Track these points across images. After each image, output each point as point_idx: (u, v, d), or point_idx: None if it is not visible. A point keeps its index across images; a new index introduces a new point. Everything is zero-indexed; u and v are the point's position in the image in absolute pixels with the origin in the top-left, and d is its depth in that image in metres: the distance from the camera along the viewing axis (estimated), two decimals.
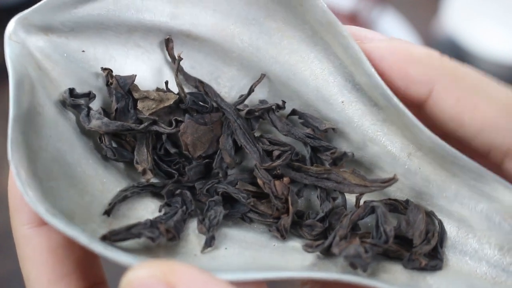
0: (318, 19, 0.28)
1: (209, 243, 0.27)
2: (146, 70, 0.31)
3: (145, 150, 0.29)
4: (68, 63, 0.29)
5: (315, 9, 0.28)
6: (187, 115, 0.29)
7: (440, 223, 0.27)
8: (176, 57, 0.30)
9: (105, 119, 0.29)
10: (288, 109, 0.30)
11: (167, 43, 0.30)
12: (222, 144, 0.29)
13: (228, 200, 0.29)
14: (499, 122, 0.26)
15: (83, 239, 0.23)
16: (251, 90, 0.30)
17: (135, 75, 0.30)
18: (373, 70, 0.27)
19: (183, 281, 0.21)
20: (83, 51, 0.30)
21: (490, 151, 0.26)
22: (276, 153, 0.29)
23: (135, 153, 0.29)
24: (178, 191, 0.28)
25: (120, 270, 0.23)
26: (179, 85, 0.30)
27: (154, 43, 0.31)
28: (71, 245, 0.26)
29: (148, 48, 0.31)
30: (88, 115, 0.29)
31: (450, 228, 0.27)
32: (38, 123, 0.27)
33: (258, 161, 0.29)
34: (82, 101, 0.29)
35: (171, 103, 0.30)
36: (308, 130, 0.29)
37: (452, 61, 0.27)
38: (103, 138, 0.29)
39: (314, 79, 0.30)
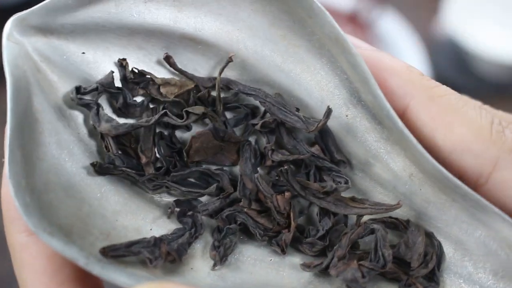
0: (326, 33, 0.27)
1: (219, 264, 0.27)
2: (149, 71, 0.30)
3: (151, 138, 0.29)
4: (68, 65, 0.29)
5: (324, 24, 0.27)
6: (212, 124, 0.29)
7: (439, 245, 0.27)
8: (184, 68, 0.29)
9: (115, 122, 0.28)
10: None
11: (168, 60, 0.30)
12: (242, 169, 0.29)
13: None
14: (471, 145, 0.26)
15: (82, 261, 0.23)
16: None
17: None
18: (379, 91, 0.26)
19: None
20: (83, 53, 0.29)
21: (463, 173, 0.26)
22: (274, 158, 0.29)
23: (140, 139, 0.29)
24: (190, 213, 0.28)
25: None
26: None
27: (156, 45, 0.30)
28: None
29: (150, 50, 0.30)
30: (97, 113, 0.28)
31: (447, 250, 0.27)
32: (37, 130, 0.27)
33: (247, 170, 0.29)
34: (90, 98, 0.28)
35: (192, 86, 0.30)
36: (314, 148, 0.29)
37: (432, 80, 0.27)
38: (109, 147, 0.28)
39: (319, 90, 0.29)
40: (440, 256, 0.27)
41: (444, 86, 0.27)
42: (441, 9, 0.84)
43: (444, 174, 0.26)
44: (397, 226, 0.28)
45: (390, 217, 0.28)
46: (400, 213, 0.28)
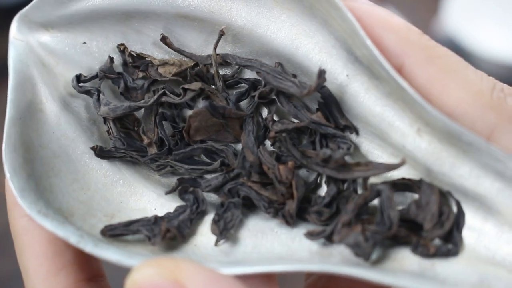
0: None
1: (220, 237, 0.26)
2: (151, 53, 0.31)
3: (153, 119, 0.29)
4: (71, 57, 0.30)
5: None
6: (208, 101, 0.28)
7: (458, 204, 0.25)
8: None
9: (112, 104, 0.29)
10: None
11: (164, 41, 0.30)
12: (244, 142, 0.28)
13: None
14: (468, 110, 0.24)
15: (73, 239, 0.24)
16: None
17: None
18: (369, 42, 0.25)
19: (189, 277, 0.21)
20: (84, 43, 0.30)
21: None
22: (274, 129, 0.28)
23: (142, 120, 0.29)
24: (191, 189, 0.28)
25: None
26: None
27: (153, 27, 0.30)
28: None
29: (148, 32, 0.30)
30: (98, 99, 0.29)
31: (468, 209, 0.25)
32: (40, 120, 0.28)
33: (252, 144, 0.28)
34: (90, 86, 0.29)
35: (191, 65, 0.30)
36: (315, 115, 0.28)
37: (432, 40, 0.25)
38: (110, 130, 0.29)
39: (318, 52, 0.28)
40: (459, 215, 0.25)
41: (446, 48, 0.25)
42: (441, 9, 0.84)
43: (446, 122, 0.23)
44: (410, 187, 0.26)
45: (403, 179, 0.26)
46: (413, 172, 0.26)
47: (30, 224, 0.26)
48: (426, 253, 0.24)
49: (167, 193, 0.28)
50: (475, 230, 0.24)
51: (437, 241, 0.25)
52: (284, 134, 0.27)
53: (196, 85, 0.29)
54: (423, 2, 0.92)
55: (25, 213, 0.26)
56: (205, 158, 0.30)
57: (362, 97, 0.27)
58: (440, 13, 0.83)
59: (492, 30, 0.78)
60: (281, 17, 0.29)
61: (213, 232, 0.27)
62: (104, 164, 0.29)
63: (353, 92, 0.27)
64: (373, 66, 0.26)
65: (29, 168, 0.26)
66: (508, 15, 0.80)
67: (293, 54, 0.29)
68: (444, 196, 0.25)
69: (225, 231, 0.26)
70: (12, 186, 0.25)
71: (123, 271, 0.23)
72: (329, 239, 0.25)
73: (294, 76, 0.28)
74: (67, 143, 0.28)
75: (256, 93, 0.29)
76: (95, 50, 0.30)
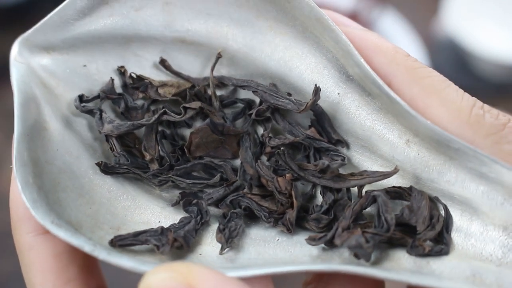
0: (306, 15, 0.28)
1: (225, 245, 0.28)
2: (148, 75, 0.32)
3: (154, 136, 0.30)
4: (72, 78, 0.31)
5: (302, 6, 0.28)
6: (209, 119, 0.30)
7: (445, 208, 0.27)
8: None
9: (116, 122, 0.30)
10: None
11: (163, 64, 0.31)
12: (242, 157, 0.30)
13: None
14: (447, 127, 0.26)
15: (87, 247, 0.25)
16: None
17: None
18: (362, 60, 0.27)
19: (201, 281, 0.21)
20: (84, 65, 0.31)
21: None
22: (271, 144, 0.30)
23: (143, 138, 0.30)
24: (194, 201, 0.29)
25: (119, 275, 0.24)
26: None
27: (152, 51, 0.31)
28: (74, 251, 0.27)
29: (147, 56, 0.32)
30: (101, 118, 0.30)
31: (454, 212, 0.27)
32: (45, 138, 0.29)
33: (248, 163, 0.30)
34: (92, 106, 0.30)
35: (189, 86, 0.31)
36: (309, 131, 0.30)
37: (418, 62, 0.27)
38: (114, 147, 0.30)
39: (310, 73, 0.30)
40: (447, 218, 0.27)
41: (430, 69, 0.27)
42: (441, 9, 0.84)
43: (435, 130, 0.25)
44: (401, 194, 0.28)
45: (393, 186, 0.28)
46: (402, 181, 0.28)
47: (36, 240, 0.27)
48: (421, 253, 0.26)
49: (173, 205, 0.29)
50: (462, 230, 0.27)
51: (428, 243, 0.27)
52: (282, 148, 0.29)
53: (196, 104, 0.30)
54: (423, 2, 0.92)
55: (30, 229, 0.26)
56: (203, 174, 0.31)
57: (353, 113, 0.29)
58: (440, 13, 0.83)
59: (492, 30, 0.78)
60: (275, 41, 0.30)
61: (218, 240, 0.28)
62: (107, 180, 0.30)
63: (344, 109, 0.29)
64: (364, 83, 0.28)
65: (39, 181, 0.27)
66: (508, 15, 0.80)
67: (287, 75, 0.31)
68: (432, 201, 0.27)
69: (230, 239, 0.28)
70: (24, 198, 0.25)
71: (124, 285, 0.24)
72: (329, 244, 0.27)
73: (289, 94, 0.30)
74: (71, 160, 0.29)
75: (253, 111, 0.30)
76: (95, 73, 0.31)
